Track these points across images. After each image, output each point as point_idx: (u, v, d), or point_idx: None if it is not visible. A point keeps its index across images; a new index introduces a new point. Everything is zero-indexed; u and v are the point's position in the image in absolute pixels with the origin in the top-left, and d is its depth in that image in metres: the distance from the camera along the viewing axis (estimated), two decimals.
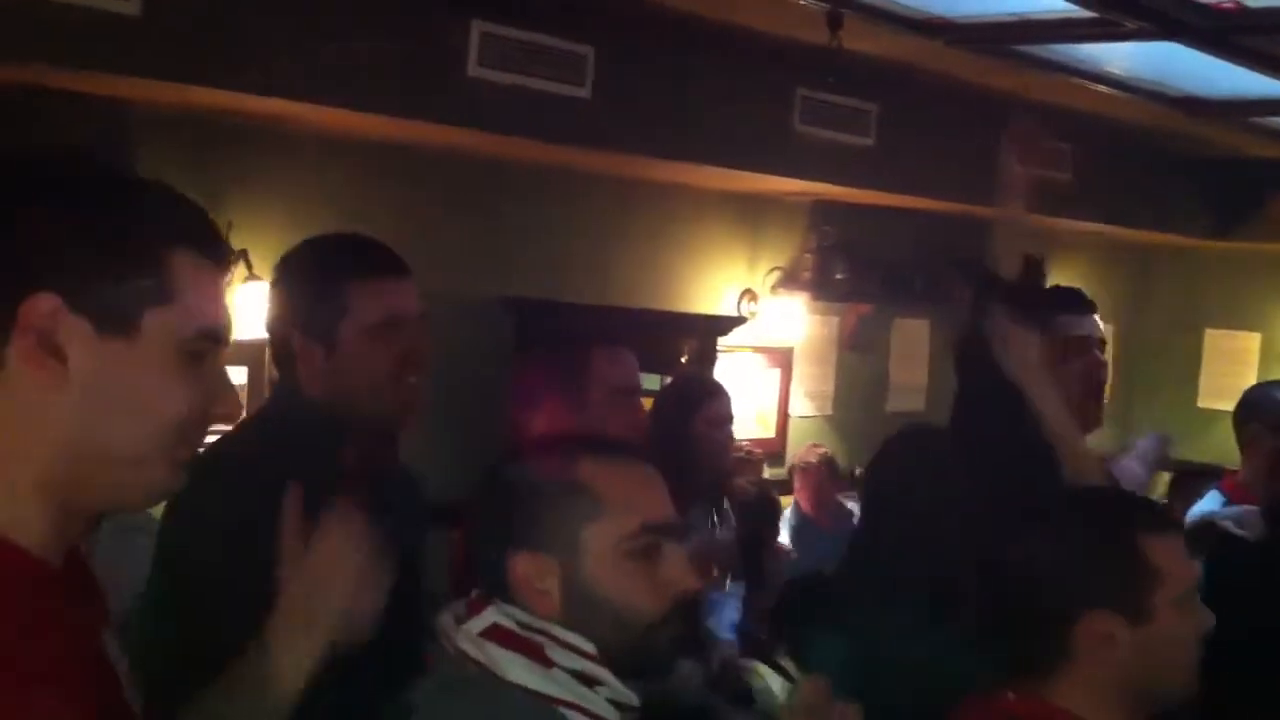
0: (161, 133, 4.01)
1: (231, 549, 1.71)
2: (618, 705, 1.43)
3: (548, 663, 1.41)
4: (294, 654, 1.42)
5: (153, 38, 3.33)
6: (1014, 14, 4.02)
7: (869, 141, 5.15)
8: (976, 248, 6.83)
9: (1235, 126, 5.60)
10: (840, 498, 5.38)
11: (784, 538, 4.98)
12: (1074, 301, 2.89)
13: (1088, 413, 2.76)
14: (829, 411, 6.15)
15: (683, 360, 5.12)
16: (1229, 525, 3.12)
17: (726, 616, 4.02)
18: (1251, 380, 4.64)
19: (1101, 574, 1.69)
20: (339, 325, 1.95)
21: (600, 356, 2.76)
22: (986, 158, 5.66)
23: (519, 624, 1.43)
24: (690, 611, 3.76)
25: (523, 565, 1.44)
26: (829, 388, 6.09)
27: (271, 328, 2.04)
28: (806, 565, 4.30)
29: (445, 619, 1.47)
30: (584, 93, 4.20)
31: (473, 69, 3.89)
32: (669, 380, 4.47)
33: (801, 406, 5.99)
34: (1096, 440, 2.89)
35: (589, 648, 1.42)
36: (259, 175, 4.26)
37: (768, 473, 5.64)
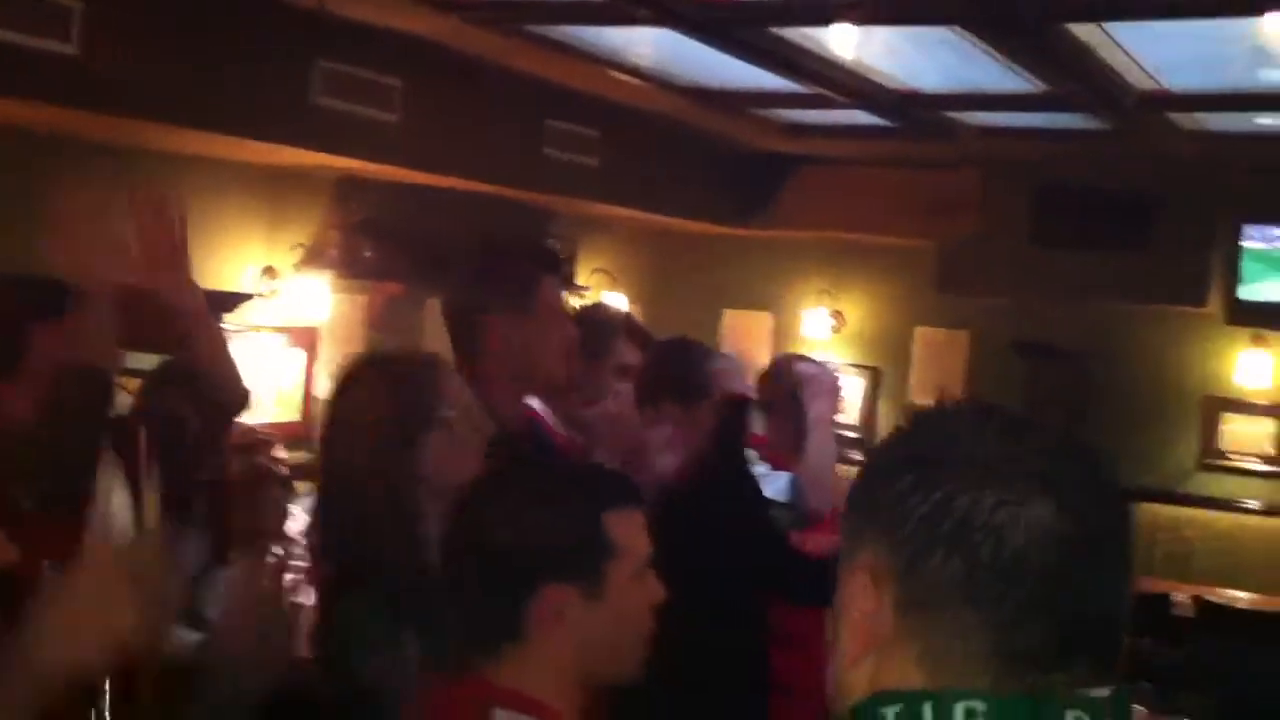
0: None
1: None
2: None
3: None
4: None
5: None
6: None
7: (394, 117, 5.06)
8: (512, 227, 6.89)
9: (741, 118, 5.93)
10: None
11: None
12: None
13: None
14: None
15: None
16: None
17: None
18: (765, 358, 4.97)
19: (558, 546, 1.63)
20: None
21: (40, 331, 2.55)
22: (512, 139, 5.74)
23: None
24: None
25: None
26: None
27: None
28: None
29: None
30: (71, 49, 3.87)
31: None
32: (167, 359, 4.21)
33: (328, 388, 5.84)
34: None
35: None
36: None
37: (289, 456, 5.45)
